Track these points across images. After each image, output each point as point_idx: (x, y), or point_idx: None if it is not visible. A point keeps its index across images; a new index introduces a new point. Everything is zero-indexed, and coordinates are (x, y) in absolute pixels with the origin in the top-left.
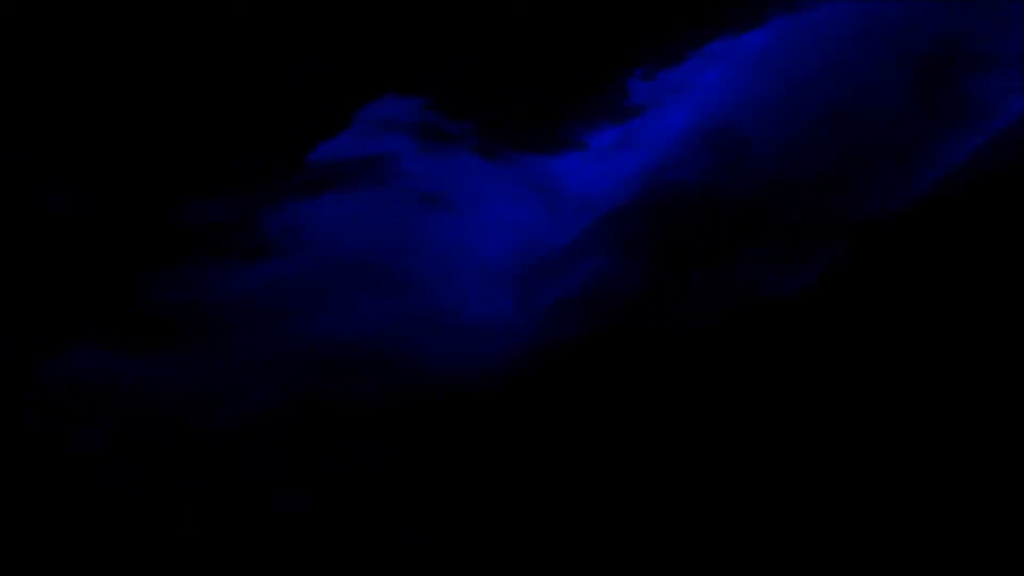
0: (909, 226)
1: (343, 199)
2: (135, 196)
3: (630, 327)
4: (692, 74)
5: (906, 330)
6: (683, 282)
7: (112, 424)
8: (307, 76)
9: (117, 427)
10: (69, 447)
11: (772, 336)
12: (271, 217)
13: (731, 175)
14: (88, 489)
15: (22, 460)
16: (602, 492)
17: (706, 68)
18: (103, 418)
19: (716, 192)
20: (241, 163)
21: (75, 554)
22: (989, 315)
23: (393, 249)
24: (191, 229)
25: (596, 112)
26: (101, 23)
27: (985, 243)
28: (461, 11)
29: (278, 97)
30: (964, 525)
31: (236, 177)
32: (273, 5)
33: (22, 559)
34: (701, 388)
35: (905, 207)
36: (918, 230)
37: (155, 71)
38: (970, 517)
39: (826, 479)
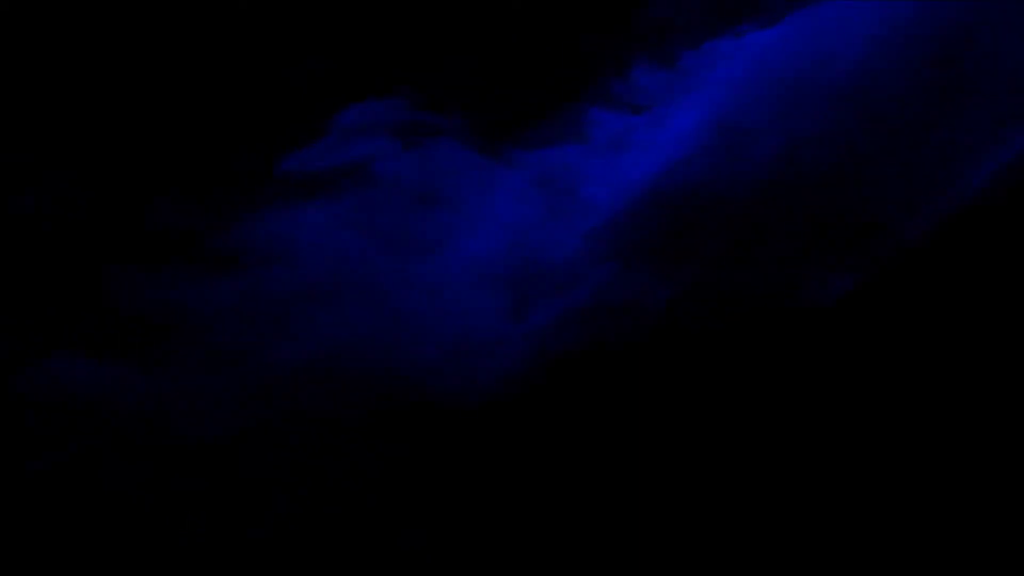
0: (943, 234)
1: (330, 206)
2: (116, 198)
3: (639, 341)
4: (703, 70)
5: (938, 343)
6: (699, 291)
7: (98, 432)
8: (306, 76)
9: (103, 435)
10: (52, 456)
11: (802, 348)
12: (260, 226)
13: (749, 177)
14: (77, 496)
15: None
16: (606, 499)
17: (717, 65)
18: (87, 426)
19: (733, 194)
20: (232, 167)
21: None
22: None
23: (382, 256)
24: (178, 237)
25: (600, 107)
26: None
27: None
28: (459, 9)
29: (271, 96)
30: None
31: (224, 183)
32: (269, 4)
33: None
34: (716, 408)
35: (940, 214)
36: (953, 239)
37: (131, 70)
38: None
39: (852, 506)
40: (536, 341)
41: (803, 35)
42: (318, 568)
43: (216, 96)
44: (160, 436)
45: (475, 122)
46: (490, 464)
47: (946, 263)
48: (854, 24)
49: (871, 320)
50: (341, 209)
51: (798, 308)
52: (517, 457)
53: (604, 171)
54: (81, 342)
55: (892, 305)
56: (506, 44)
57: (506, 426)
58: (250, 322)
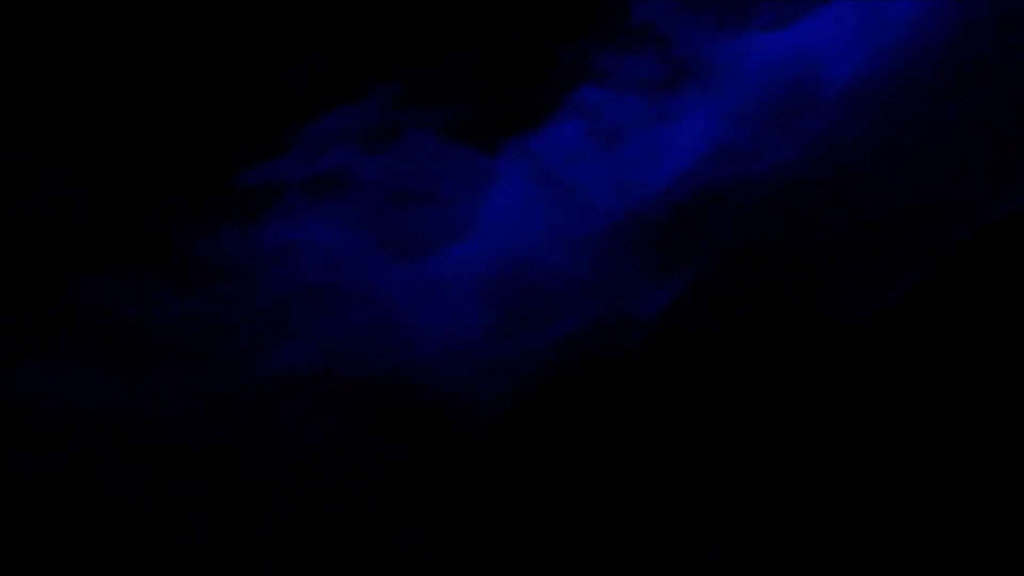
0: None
1: (327, 209)
2: (116, 201)
3: (640, 348)
4: (708, 70)
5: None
6: (706, 299)
7: (98, 432)
8: (305, 77)
9: (103, 435)
10: (52, 456)
11: (835, 370)
12: (256, 231)
13: (758, 180)
14: (77, 496)
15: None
16: (607, 500)
17: (724, 65)
18: (86, 426)
19: (739, 198)
20: (229, 171)
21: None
22: None
23: (380, 260)
24: (176, 242)
25: (602, 107)
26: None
27: None
28: (459, 9)
29: (269, 97)
30: None
31: (222, 188)
32: (269, 5)
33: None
34: (722, 423)
35: (973, 223)
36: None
37: (131, 72)
38: None
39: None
40: (535, 344)
41: (812, 34)
42: (318, 568)
43: (213, 97)
44: (160, 436)
45: (473, 122)
46: (490, 465)
47: (983, 275)
48: (865, 23)
49: (902, 335)
50: (338, 212)
51: (822, 321)
52: (517, 458)
53: (605, 172)
54: (82, 343)
55: (924, 318)
56: (506, 43)
57: (505, 427)
58: (249, 323)
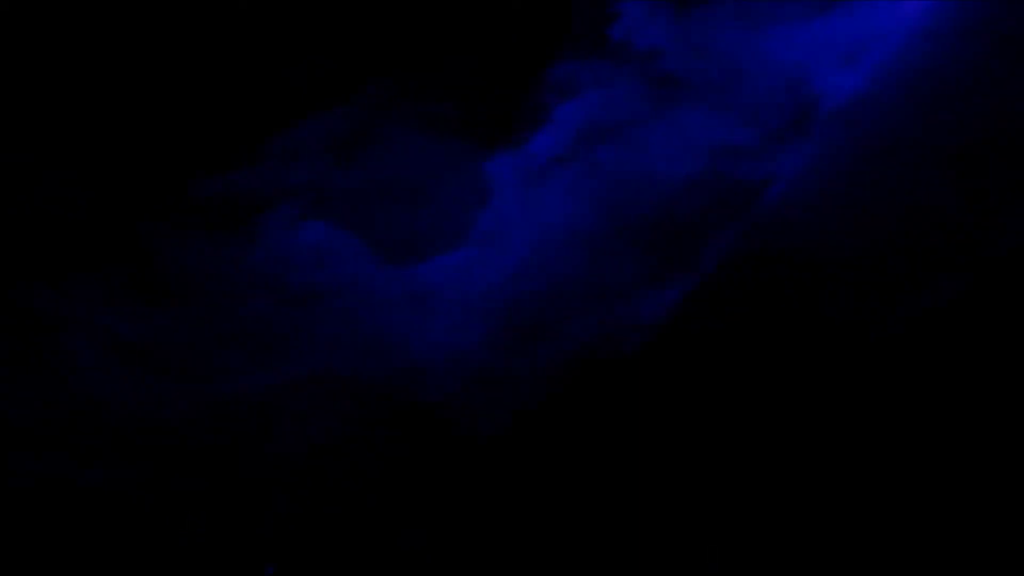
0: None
1: (326, 216)
2: (115, 206)
3: (651, 366)
4: (705, 74)
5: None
6: (709, 305)
7: (98, 432)
8: (305, 76)
9: (103, 435)
10: (53, 457)
11: (864, 384)
12: (255, 241)
13: (780, 177)
14: (78, 496)
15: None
16: (604, 499)
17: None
18: (87, 426)
19: (759, 199)
20: (230, 180)
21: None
22: None
23: (379, 265)
24: (166, 253)
25: (600, 106)
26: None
27: None
28: (460, 10)
29: (266, 97)
30: None
31: (221, 199)
32: (271, 5)
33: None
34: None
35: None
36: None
37: (132, 73)
38: None
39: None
40: (534, 347)
41: (814, 41)
42: (318, 568)
43: (211, 98)
44: (160, 436)
45: (471, 124)
46: (489, 466)
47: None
48: (865, 27)
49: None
50: (337, 216)
51: (824, 325)
52: (516, 460)
53: (604, 173)
54: (82, 344)
55: (929, 330)
56: (505, 44)
57: (504, 429)
58: (249, 324)
